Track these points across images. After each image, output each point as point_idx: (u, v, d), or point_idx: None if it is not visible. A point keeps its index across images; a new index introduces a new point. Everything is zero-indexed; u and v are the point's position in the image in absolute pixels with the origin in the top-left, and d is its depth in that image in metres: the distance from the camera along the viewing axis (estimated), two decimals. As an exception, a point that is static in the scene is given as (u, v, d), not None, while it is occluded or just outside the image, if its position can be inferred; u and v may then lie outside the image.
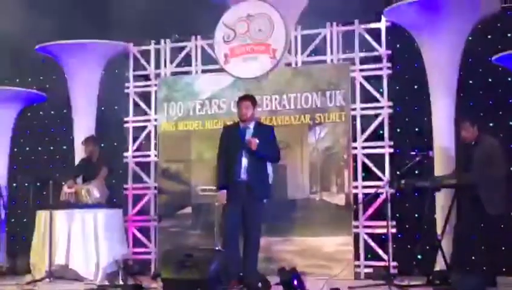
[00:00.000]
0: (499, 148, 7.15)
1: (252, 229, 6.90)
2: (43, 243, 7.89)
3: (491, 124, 8.28)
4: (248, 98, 7.18)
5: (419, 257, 8.13)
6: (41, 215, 8.07)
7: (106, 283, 6.69)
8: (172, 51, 9.17)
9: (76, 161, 9.11)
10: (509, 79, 8.22)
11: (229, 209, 6.95)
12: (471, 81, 8.50)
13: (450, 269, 7.04)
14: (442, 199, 7.69)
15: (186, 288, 6.01)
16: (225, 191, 6.99)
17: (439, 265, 7.43)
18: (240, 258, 6.79)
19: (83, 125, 9.32)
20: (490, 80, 8.50)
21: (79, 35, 9.11)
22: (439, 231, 7.47)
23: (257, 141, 6.82)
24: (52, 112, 10.41)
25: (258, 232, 6.97)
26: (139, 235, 9.00)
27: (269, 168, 7.18)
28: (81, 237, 7.90)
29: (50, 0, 9.71)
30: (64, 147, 10.17)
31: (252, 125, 7.03)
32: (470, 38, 8.16)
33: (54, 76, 10.04)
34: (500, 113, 8.40)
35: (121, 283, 6.62)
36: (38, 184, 9.66)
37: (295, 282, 5.85)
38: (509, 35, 8.36)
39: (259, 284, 6.01)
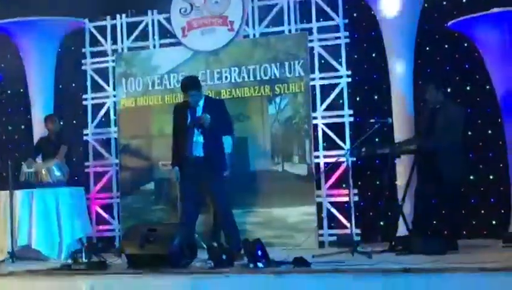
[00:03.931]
0: (463, 113, 7.22)
1: (221, 204, 6.90)
2: (4, 224, 7.81)
3: (448, 90, 8.35)
4: (190, 88, 6.91)
5: (381, 223, 8.25)
6: (2, 196, 7.97)
7: (70, 261, 6.63)
8: (129, 26, 9.06)
9: (35, 140, 8.99)
10: (465, 44, 8.27)
11: (185, 188, 6.92)
12: (428, 48, 8.55)
13: (412, 234, 7.12)
14: (402, 165, 7.76)
15: (150, 263, 6.00)
16: (177, 169, 6.96)
17: (401, 231, 7.51)
18: (195, 237, 6.81)
19: (41, 103, 9.20)
20: (446, 46, 8.55)
21: (33, 12, 8.94)
22: (400, 197, 7.54)
23: (208, 117, 6.76)
24: (8, 92, 10.23)
25: (228, 206, 6.97)
26: (102, 212, 8.96)
27: (227, 141, 7.16)
28: (43, 216, 7.84)
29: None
30: (23, 127, 10.02)
31: (201, 103, 6.95)
32: (426, 5, 8.21)
33: (8, 55, 9.85)
34: (457, 78, 8.47)
35: (84, 261, 6.57)
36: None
37: (259, 253, 5.87)
38: (463, 0, 8.41)
39: (242, 251, 6.09)
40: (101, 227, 8.94)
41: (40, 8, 8.98)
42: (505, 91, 7.74)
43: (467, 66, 8.46)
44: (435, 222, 7.61)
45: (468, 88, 8.45)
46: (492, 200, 8.26)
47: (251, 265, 5.84)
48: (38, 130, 8.92)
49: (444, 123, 7.07)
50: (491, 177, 8.27)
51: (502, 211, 8.04)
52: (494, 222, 8.17)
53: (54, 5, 9.02)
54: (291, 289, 5.19)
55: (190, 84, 6.99)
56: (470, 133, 8.05)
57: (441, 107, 7.19)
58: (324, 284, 5.14)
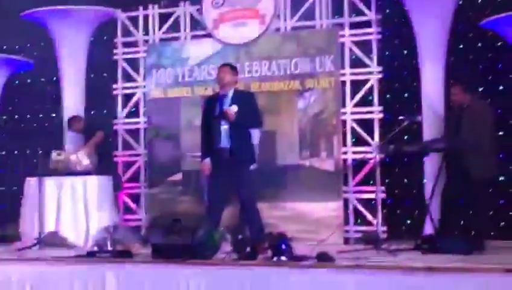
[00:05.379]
0: (490, 112, 7.13)
1: (247, 197, 6.91)
2: (32, 211, 7.89)
3: (480, 89, 8.27)
4: (227, 65, 7.15)
5: (408, 221, 8.20)
6: (31, 183, 8.05)
7: (96, 249, 6.68)
8: (161, 17, 9.09)
9: (65, 130, 9.08)
10: (499, 44, 8.18)
11: (213, 180, 6.94)
12: (461, 46, 8.46)
13: (438, 233, 7.06)
14: (431, 164, 7.70)
15: (175, 253, 6.01)
16: (208, 160, 6.99)
17: (428, 230, 7.45)
18: (220, 229, 6.83)
19: (72, 92, 9.28)
20: (480, 44, 8.46)
21: (66, 1, 9.02)
22: (427, 195, 7.48)
23: (235, 110, 6.76)
24: (41, 80, 10.33)
25: (253, 199, 6.97)
26: (129, 202, 9.02)
27: (254, 133, 7.15)
28: (70, 204, 7.92)
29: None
30: (53, 115, 10.11)
31: (230, 93, 6.97)
32: (460, 2, 8.13)
33: (42, 43, 9.94)
34: (490, 78, 8.39)
35: (110, 249, 6.61)
36: (27, 152, 9.67)
37: (283, 247, 5.85)
38: (498, -1, 8.32)
39: (266, 244, 6.07)
40: (127, 216, 8.99)
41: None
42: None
43: (499, 65, 8.36)
44: (462, 222, 7.53)
45: (500, 88, 8.35)
46: (521, 201, 8.18)
47: (275, 258, 5.82)
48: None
49: (471, 124, 6.98)
50: (520, 177, 8.19)
51: (531, 213, 7.96)
52: (522, 223, 8.09)
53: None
54: (314, 283, 5.17)
55: (228, 63, 7.21)
56: (500, 133, 7.96)
57: (467, 107, 7.11)
58: (348, 280, 5.11)
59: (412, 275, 5.14)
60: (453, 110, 7.35)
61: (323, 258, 5.69)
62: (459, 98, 7.17)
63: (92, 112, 9.48)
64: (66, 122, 8.83)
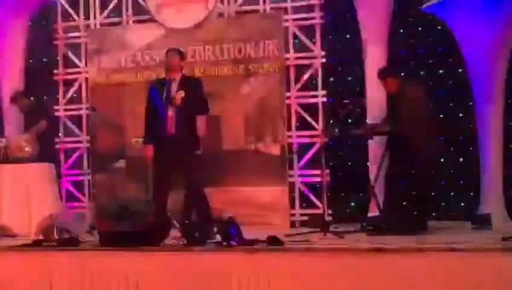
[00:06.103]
0: (422, 96, 7.22)
1: (192, 183, 6.89)
2: (-27, 200, 7.72)
3: (421, 72, 8.41)
4: (175, 49, 7.08)
5: (353, 204, 8.31)
6: (-29, 171, 7.87)
7: (41, 237, 6.56)
8: (102, 1, 8.95)
9: (5, 116, 8.87)
10: (439, 27, 8.33)
11: (158, 166, 6.89)
12: (401, 30, 8.58)
13: (382, 214, 7.17)
14: (375, 146, 7.80)
15: (123, 240, 5.96)
16: (151, 146, 6.93)
17: (373, 211, 7.57)
18: (168, 214, 6.82)
19: (11, 78, 9.06)
20: (420, 28, 8.59)
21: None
22: (372, 177, 7.59)
23: (182, 96, 6.72)
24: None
25: (199, 184, 6.95)
26: (72, 189, 8.90)
27: (199, 120, 7.12)
28: (12, 192, 7.75)
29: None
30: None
31: (178, 78, 6.93)
32: (401, -13, 8.25)
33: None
34: (430, 61, 8.53)
35: (56, 237, 6.51)
36: (-34, 140, 9.42)
37: (233, 231, 5.86)
38: (438, -17, 8.43)
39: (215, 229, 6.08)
40: (71, 204, 8.88)
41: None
42: (477, 74, 7.81)
43: (440, 49, 8.51)
44: (405, 203, 7.67)
45: (441, 71, 8.51)
46: (461, 182, 8.37)
47: (224, 243, 5.83)
48: (8, 105, 8.80)
49: (405, 109, 7.08)
50: (461, 159, 8.37)
51: (471, 193, 8.15)
52: (463, 204, 8.28)
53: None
54: (265, 267, 5.22)
55: (176, 48, 7.12)
56: (441, 115, 8.12)
57: (399, 94, 7.22)
58: (298, 263, 5.17)
59: (361, 257, 5.22)
60: (390, 97, 7.47)
61: (273, 242, 5.73)
62: (390, 88, 7.31)
63: (32, 98, 9.27)
64: (8, 101, 8.62)
